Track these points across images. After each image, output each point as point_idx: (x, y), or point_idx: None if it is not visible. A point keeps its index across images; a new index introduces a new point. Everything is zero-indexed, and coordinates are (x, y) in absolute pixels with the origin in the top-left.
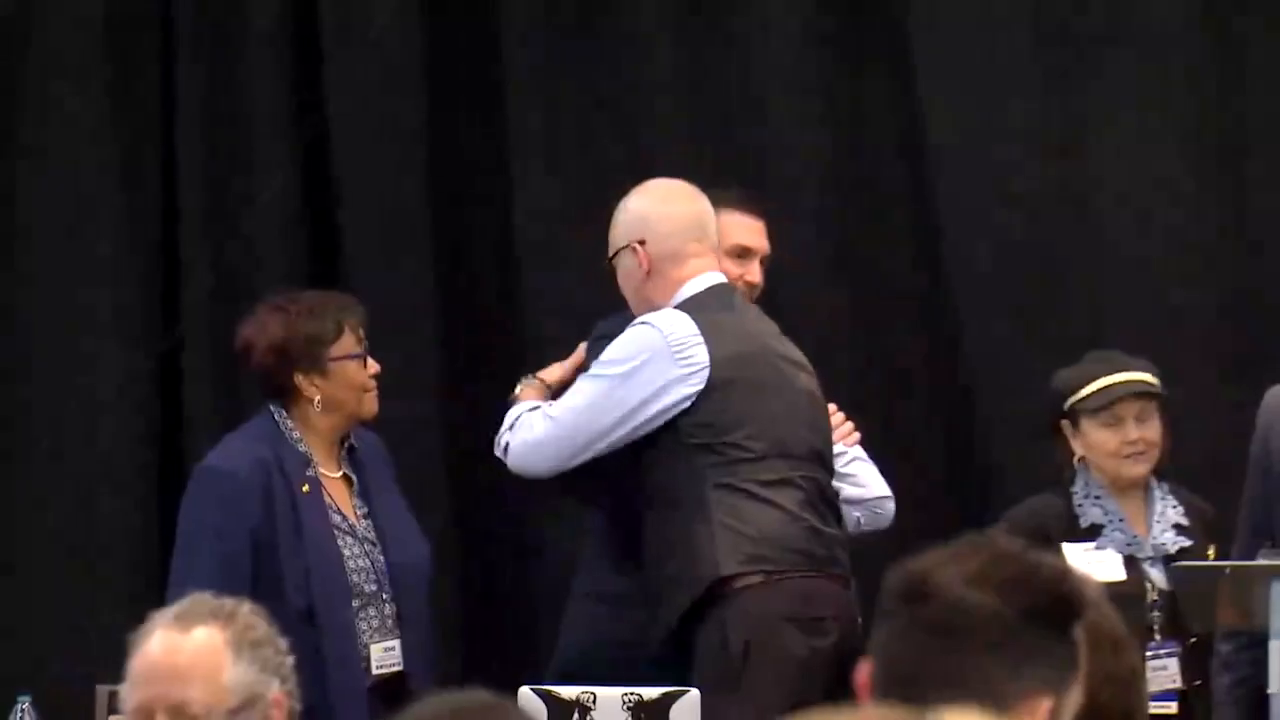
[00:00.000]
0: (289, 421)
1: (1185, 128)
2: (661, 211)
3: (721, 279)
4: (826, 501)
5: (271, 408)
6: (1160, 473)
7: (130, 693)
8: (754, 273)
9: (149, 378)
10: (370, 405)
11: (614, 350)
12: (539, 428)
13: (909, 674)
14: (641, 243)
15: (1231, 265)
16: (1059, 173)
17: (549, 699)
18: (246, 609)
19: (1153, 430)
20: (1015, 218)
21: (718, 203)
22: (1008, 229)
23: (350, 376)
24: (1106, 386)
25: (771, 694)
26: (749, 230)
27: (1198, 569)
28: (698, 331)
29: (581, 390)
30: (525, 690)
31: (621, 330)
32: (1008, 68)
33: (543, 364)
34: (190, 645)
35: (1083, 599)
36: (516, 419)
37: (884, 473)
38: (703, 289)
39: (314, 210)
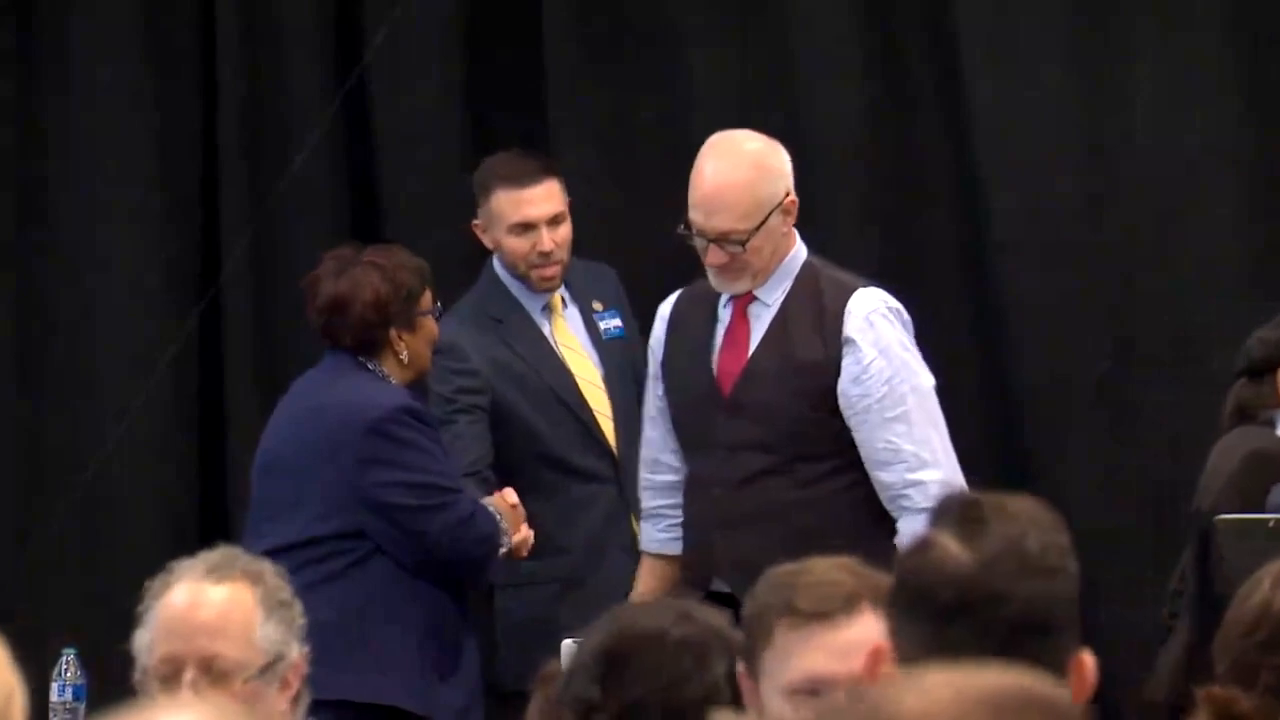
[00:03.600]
0: (392, 380)
1: (1221, 86)
2: (784, 156)
3: None
4: None
5: (368, 364)
6: None
7: (156, 644)
8: (543, 241)
9: (188, 338)
10: (430, 362)
11: (907, 358)
12: (934, 479)
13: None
14: (787, 193)
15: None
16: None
17: None
18: (270, 569)
19: None
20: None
21: (492, 182)
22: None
23: (430, 332)
24: None
25: None
26: (524, 204)
27: (1242, 520)
28: None
29: (920, 414)
30: None
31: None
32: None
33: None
34: (222, 600)
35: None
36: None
37: None
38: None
39: (353, 176)
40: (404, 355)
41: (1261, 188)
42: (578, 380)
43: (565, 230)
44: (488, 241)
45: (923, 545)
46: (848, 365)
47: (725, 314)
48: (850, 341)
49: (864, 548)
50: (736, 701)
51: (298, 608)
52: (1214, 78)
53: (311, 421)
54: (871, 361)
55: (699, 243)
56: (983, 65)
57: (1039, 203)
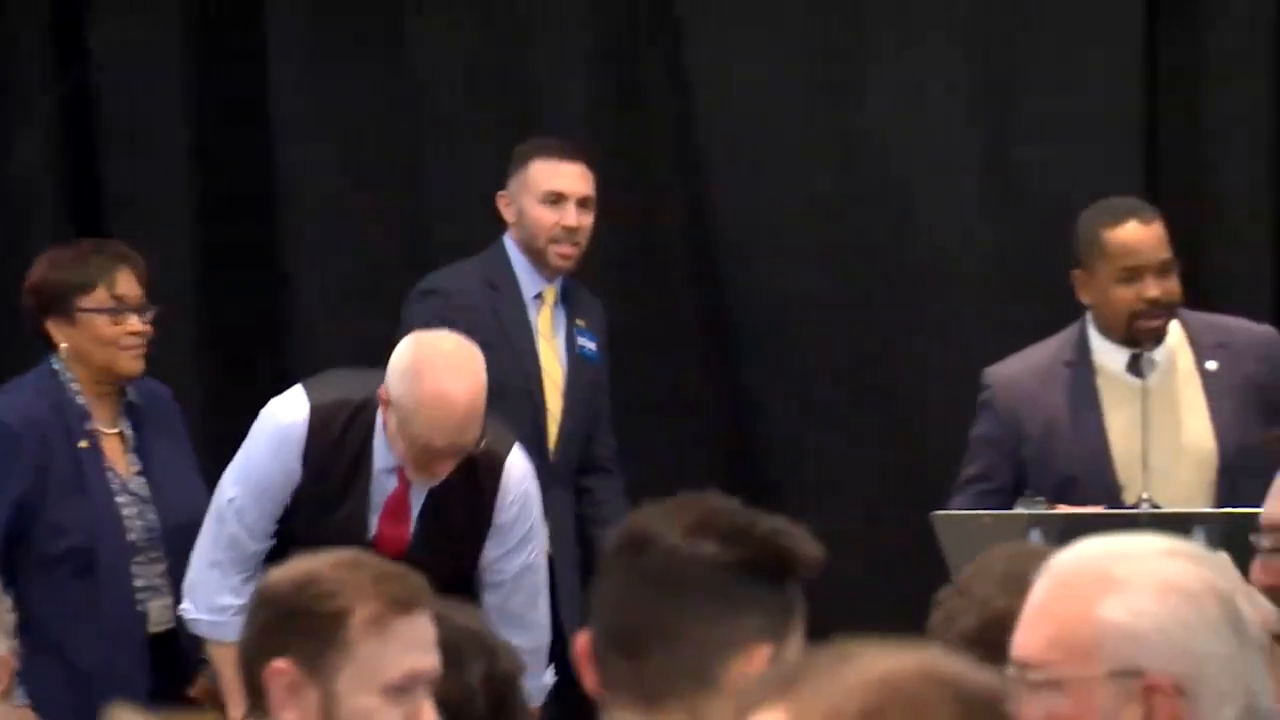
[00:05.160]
0: (68, 372)
1: (951, 87)
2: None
3: None
4: None
5: (51, 358)
6: None
7: None
8: (569, 216)
9: None
10: (127, 363)
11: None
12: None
13: (630, 626)
14: None
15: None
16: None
17: None
18: None
19: None
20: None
21: (532, 152)
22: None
23: (98, 330)
24: None
25: None
26: (562, 175)
27: (959, 517)
28: None
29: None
30: None
31: (456, 283)
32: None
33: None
34: None
35: (798, 553)
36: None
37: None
38: None
39: (77, 175)
40: (63, 350)
41: (997, 186)
42: (543, 375)
43: (590, 219)
44: (510, 214)
45: None
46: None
47: (388, 481)
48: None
49: None
50: (490, 703)
51: (5, 603)
52: (944, 77)
53: None
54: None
55: (424, 455)
56: (710, 58)
57: (768, 199)
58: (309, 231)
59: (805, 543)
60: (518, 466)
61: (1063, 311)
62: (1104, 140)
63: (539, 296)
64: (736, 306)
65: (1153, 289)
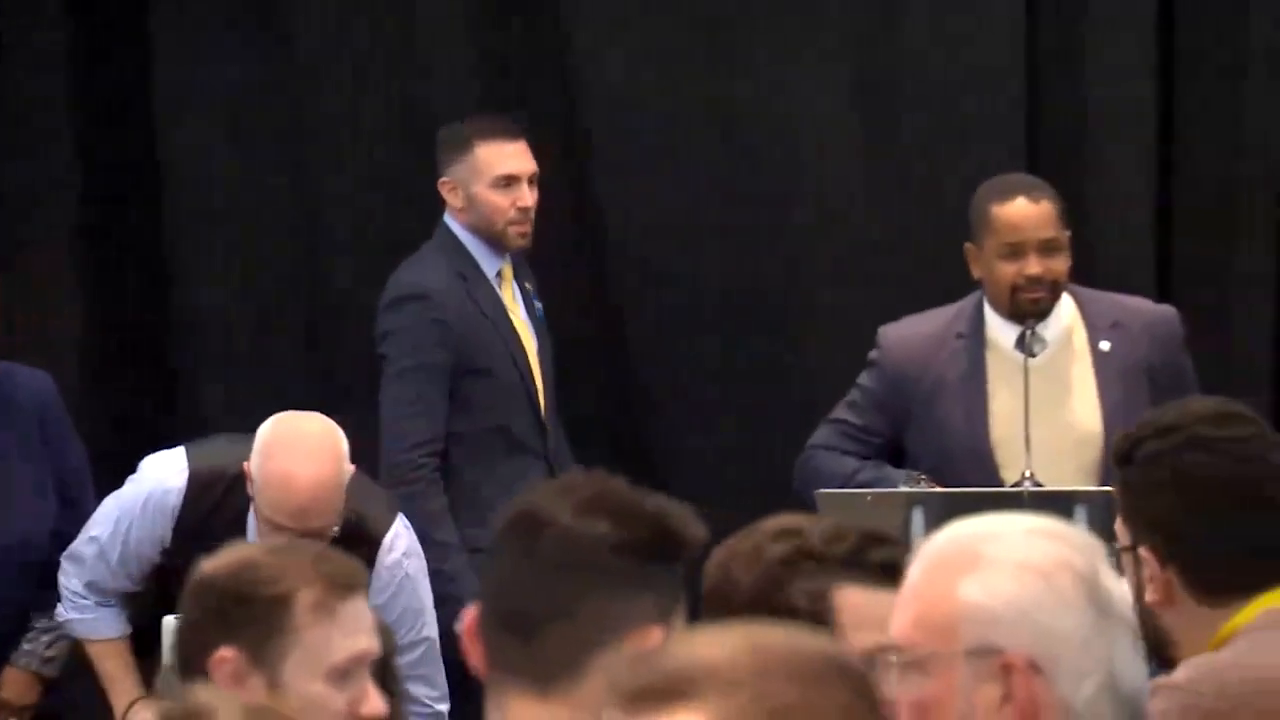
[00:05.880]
0: None
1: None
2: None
3: None
4: None
5: None
6: None
7: None
8: (525, 197)
9: None
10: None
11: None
12: None
13: (523, 607)
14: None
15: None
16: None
17: None
18: None
19: None
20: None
21: (473, 135)
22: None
23: None
24: None
25: None
26: (511, 157)
27: (843, 495)
28: None
29: None
30: None
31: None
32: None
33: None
34: None
35: (685, 534)
36: None
37: None
38: None
39: None
40: None
41: (877, 173)
42: (527, 354)
43: (535, 193)
44: (457, 200)
45: None
46: None
47: None
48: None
49: None
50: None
51: None
52: (825, 66)
53: None
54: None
55: (275, 536)
56: (595, 46)
57: (654, 191)
58: (195, 219)
59: (692, 523)
60: (395, 549)
61: (951, 288)
62: (987, 117)
63: (499, 275)
64: (621, 291)
65: (1034, 266)
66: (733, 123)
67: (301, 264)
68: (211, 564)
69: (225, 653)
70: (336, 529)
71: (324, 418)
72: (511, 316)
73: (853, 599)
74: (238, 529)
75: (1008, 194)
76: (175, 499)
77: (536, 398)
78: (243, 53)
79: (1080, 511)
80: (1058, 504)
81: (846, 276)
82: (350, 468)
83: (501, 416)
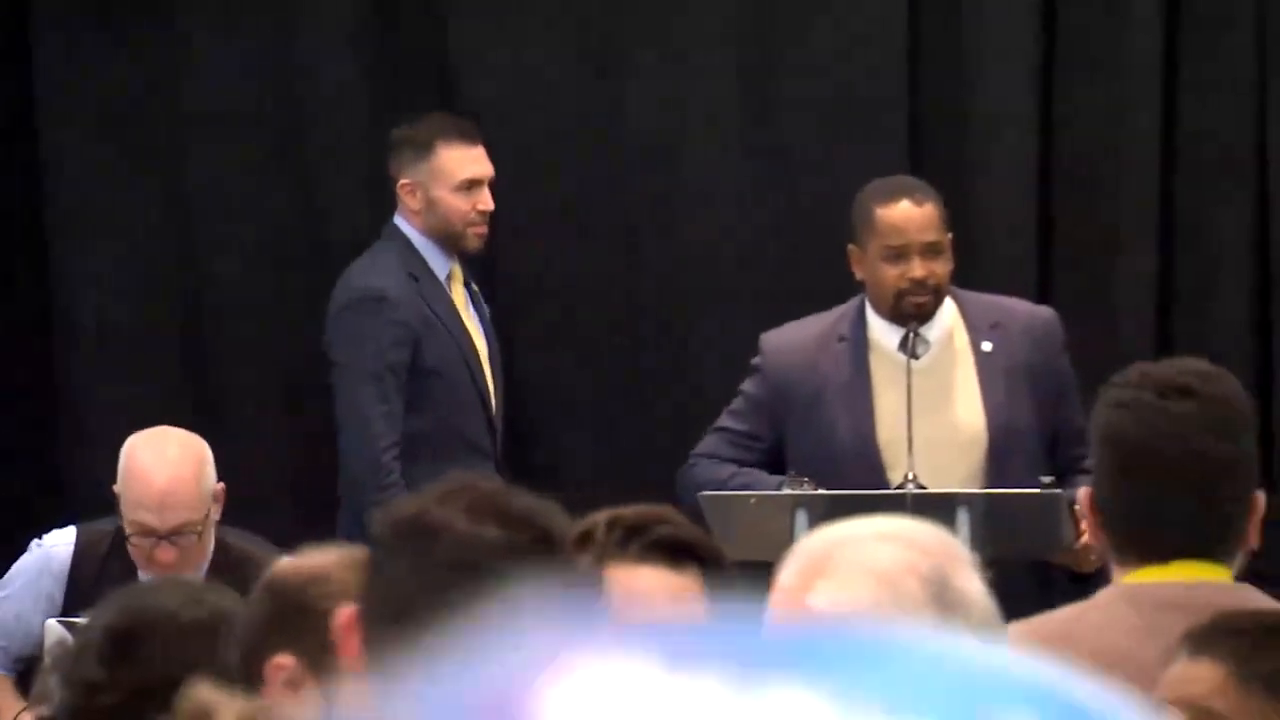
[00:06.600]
0: None
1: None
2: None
3: None
4: None
5: None
6: None
7: None
8: (486, 200)
9: None
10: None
11: None
12: None
13: (418, 612)
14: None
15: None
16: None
17: None
18: None
19: None
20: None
21: (433, 138)
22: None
23: None
24: None
25: None
26: (474, 161)
27: (725, 498)
28: None
29: None
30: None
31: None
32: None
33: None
34: None
35: (561, 534)
36: None
37: None
38: None
39: None
40: None
41: (760, 175)
42: (479, 355)
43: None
44: (414, 201)
45: None
46: None
47: None
48: None
49: None
50: (245, 687)
51: None
52: (706, 66)
53: None
54: None
55: (145, 542)
56: (477, 47)
57: (536, 180)
58: (77, 217)
59: (566, 523)
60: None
61: (835, 289)
62: (869, 118)
63: (450, 276)
64: (505, 290)
65: (918, 269)
66: (620, 125)
67: (184, 265)
68: (288, 565)
69: (283, 659)
70: (199, 532)
71: (183, 432)
72: (463, 317)
73: (621, 577)
74: (131, 578)
75: (891, 196)
76: (65, 552)
77: (488, 398)
78: (122, 53)
79: (962, 513)
80: (940, 506)
81: (730, 282)
82: (213, 476)
83: (454, 417)
